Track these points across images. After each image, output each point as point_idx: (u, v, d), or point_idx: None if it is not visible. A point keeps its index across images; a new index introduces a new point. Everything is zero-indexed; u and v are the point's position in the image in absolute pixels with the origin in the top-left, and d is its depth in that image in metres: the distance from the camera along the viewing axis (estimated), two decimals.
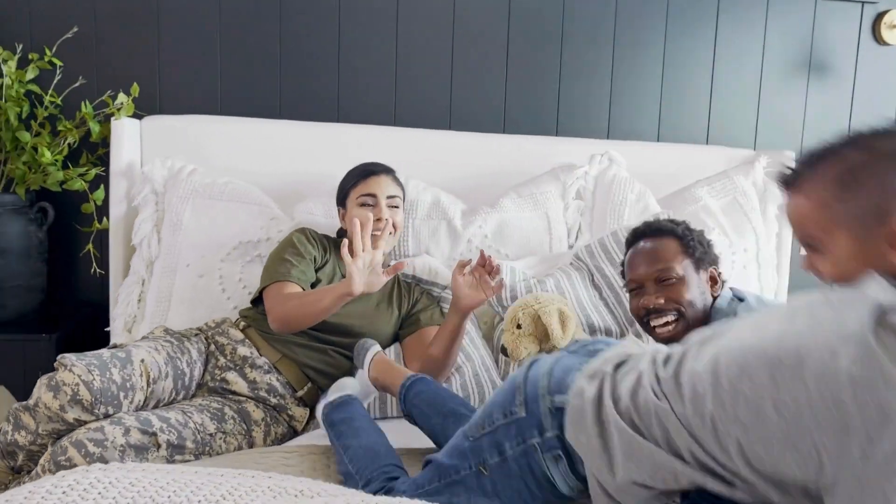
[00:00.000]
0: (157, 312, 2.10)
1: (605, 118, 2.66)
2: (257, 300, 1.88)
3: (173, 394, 1.70)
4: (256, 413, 1.74)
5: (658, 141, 2.69)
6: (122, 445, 1.43)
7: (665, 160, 2.57)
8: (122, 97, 2.25)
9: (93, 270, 2.36)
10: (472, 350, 1.93)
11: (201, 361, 1.80)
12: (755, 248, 2.36)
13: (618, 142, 2.57)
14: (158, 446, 1.49)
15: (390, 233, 1.86)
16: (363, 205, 1.89)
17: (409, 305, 1.98)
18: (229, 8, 2.42)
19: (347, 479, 1.38)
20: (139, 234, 2.18)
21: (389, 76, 2.53)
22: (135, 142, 2.28)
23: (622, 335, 1.98)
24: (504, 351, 1.65)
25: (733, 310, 1.56)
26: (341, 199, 1.97)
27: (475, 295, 1.72)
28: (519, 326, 1.61)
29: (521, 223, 2.25)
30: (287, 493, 1.15)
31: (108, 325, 2.21)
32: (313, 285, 1.84)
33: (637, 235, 1.69)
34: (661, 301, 1.56)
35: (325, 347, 1.85)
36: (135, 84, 2.28)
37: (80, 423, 1.49)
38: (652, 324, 1.58)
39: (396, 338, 1.96)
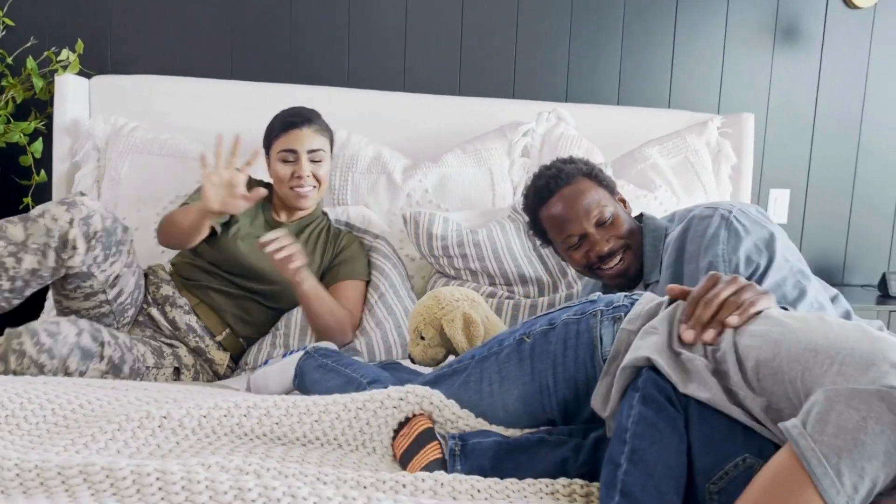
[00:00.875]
0: None
1: (564, 82, 2.62)
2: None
3: (129, 300, 1.71)
4: (187, 358, 1.74)
5: (618, 105, 2.64)
6: (72, 343, 1.44)
7: (625, 123, 2.52)
8: (66, 53, 2.25)
9: None
10: (394, 306, 1.88)
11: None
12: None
13: (575, 104, 2.53)
14: (102, 358, 1.49)
15: (314, 187, 1.84)
16: (284, 161, 1.84)
17: (333, 254, 1.94)
18: None
19: (345, 386, 1.33)
20: (79, 188, 2.18)
21: (343, 37, 2.51)
22: (82, 100, 2.29)
23: (554, 285, 1.94)
24: (412, 359, 1.54)
25: (664, 225, 1.53)
26: (267, 146, 1.91)
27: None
28: (422, 338, 1.46)
29: (463, 179, 2.22)
30: (155, 401, 1.13)
31: None
32: (227, 226, 1.82)
33: (549, 190, 1.56)
34: (611, 243, 1.50)
35: (241, 293, 1.83)
36: (79, 41, 2.28)
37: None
38: (604, 267, 1.51)
39: None
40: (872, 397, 0.75)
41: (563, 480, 0.98)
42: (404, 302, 1.90)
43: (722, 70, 2.69)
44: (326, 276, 1.91)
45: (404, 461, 1.06)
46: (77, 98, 2.27)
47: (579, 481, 0.98)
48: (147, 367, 1.62)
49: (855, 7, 2.69)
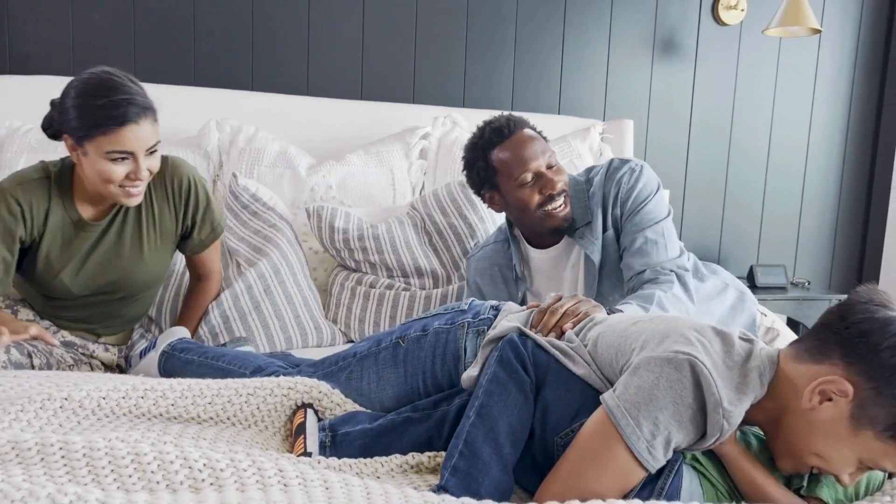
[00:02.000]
0: None
1: (461, 88, 2.78)
2: None
3: None
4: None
5: (512, 110, 2.81)
6: (4, 360, 1.48)
7: None
8: None
9: None
10: (294, 296, 1.98)
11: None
12: None
13: (471, 109, 2.68)
14: (32, 367, 1.54)
15: (140, 189, 1.55)
16: (114, 161, 1.49)
17: (185, 211, 1.72)
18: None
19: (227, 377, 1.38)
20: None
21: (246, 38, 2.59)
22: None
23: (447, 278, 2.08)
24: None
25: (581, 179, 1.75)
26: (74, 133, 1.48)
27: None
28: None
29: (365, 178, 2.33)
30: (56, 385, 1.20)
31: None
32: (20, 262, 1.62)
33: (509, 131, 1.67)
34: (560, 184, 1.65)
35: (99, 306, 1.72)
36: None
37: None
38: (550, 208, 1.64)
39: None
40: (663, 361, 0.92)
41: (427, 454, 1.10)
42: (304, 291, 2.00)
43: (606, 79, 2.90)
44: (188, 244, 1.76)
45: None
46: None
47: (443, 453, 1.10)
48: (69, 366, 1.66)
49: (723, 24, 2.95)
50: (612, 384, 1.03)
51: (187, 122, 2.36)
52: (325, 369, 1.33)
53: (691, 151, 3.02)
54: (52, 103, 1.57)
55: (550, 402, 1.03)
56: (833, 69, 3.10)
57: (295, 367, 1.42)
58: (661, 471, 0.95)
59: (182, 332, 1.69)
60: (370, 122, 2.57)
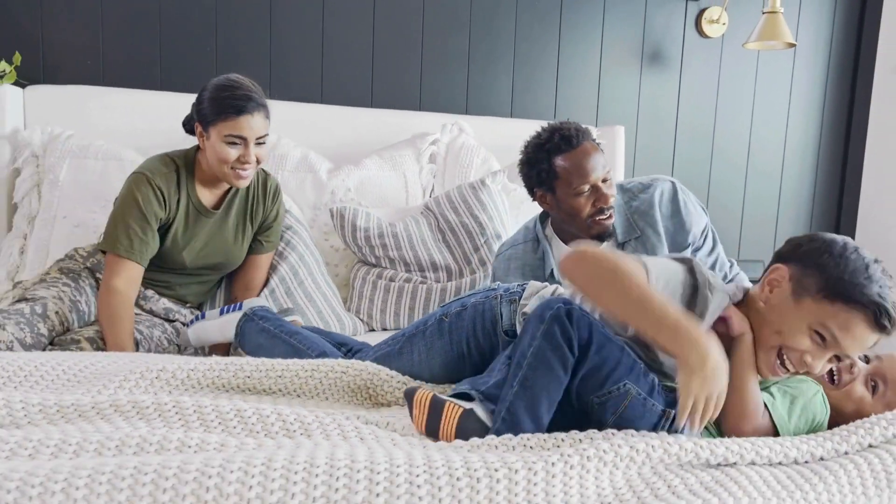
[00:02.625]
0: (35, 260, 2.27)
1: (464, 96, 2.97)
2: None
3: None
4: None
5: (511, 117, 3.02)
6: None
7: (517, 133, 2.88)
8: (3, 65, 2.40)
9: None
10: (313, 294, 2.17)
11: (95, 296, 1.96)
12: None
13: (473, 117, 2.88)
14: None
15: (249, 173, 1.91)
16: (230, 143, 1.84)
17: (265, 214, 2.07)
18: None
19: (292, 356, 1.56)
20: (20, 192, 2.34)
21: (264, 51, 2.77)
22: (18, 109, 2.44)
23: (460, 272, 2.27)
24: None
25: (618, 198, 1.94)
26: (204, 120, 1.86)
27: None
28: None
29: (381, 181, 2.52)
30: (147, 361, 1.38)
31: None
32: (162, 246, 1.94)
33: (577, 140, 1.80)
34: (612, 199, 1.82)
35: (199, 279, 2.06)
36: (17, 53, 2.44)
37: None
38: (599, 218, 1.81)
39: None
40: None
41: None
42: (322, 288, 2.18)
43: (598, 87, 3.11)
44: (254, 241, 2.09)
45: (431, 431, 1.17)
46: (14, 107, 2.42)
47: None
48: (164, 350, 1.91)
49: (706, 36, 3.18)
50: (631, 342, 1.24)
51: None
52: (378, 351, 1.52)
53: (676, 156, 3.24)
54: (192, 104, 1.94)
55: (591, 368, 1.18)
56: (807, 80, 3.34)
57: (355, 352, 1.62)
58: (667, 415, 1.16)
59: (264, 302, 1.89)
60: (380, 128, 2.76)
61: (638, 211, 1.90)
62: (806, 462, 1.11)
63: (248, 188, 2.03)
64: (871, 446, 1.15)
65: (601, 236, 1.87)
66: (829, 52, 3.34)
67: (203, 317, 1.88)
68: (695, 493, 1.00)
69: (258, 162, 1.90)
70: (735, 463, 1.07)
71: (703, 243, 1.95)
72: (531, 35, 3.00)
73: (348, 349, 1.69)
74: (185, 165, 1.94)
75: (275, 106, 2.65)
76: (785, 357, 1.20)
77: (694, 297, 1.22)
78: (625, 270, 1.17)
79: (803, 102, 3.35)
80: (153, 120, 2.52)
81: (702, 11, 3.17)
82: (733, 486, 1.01)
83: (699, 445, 1.06)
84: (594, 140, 1.86)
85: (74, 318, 1.87)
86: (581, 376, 1.18)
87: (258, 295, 2.08)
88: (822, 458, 1.12)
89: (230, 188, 2.01)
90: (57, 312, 1.82)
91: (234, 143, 1.84)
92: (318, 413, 1.13)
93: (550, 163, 1.81)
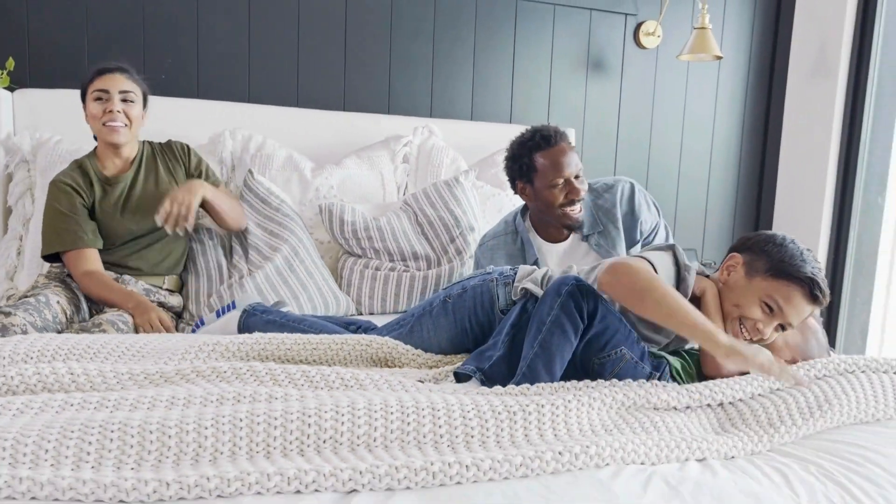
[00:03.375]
0: (33, 260, 2.40)
1: (428, 100, 3.22)
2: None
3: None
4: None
5: (471, 119, 3.28)
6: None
7: (477, 135, 3.16)
8: None
9: None
10: (310, 278, 2.38)
11: (85, 296, 2.15)
12: None
13: (438, 119, 3.13)
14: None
15: (125, 125, 2.15)
16: (97, 99, 2.11)
17: (186, 174, 2.33)
18: None
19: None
20: (14, 196, 2.46)
21: (244, 57, 2.94)
22: (9, 113, 2.55)
23: (438, 261, 2.52)
24: None
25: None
26: (84, 95, 2.17)
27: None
28: None
29: (360, 179, 2.74)
30: (194, 340, 1.57)
31: None
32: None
33: (555, 139, 2.09)
34: (583, 192, 2.11)
35: (153, 248, 2.24)
36: (10, 58, 2.55)
37: None
38: (570, 210, 2.10)
39: None
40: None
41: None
42: (320, 269, 2.40)
43: (550, 93, 3.41)
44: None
45: None
46: (6, 111, 2.53)
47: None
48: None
49: (643, 48, 3.52)
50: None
51: (196, 131, 2.68)
52: (391, 330, 1.75)
53: (618, 157, 3.57)
54: None
55: (595, 334, 1.46)
56: (730, 88, 3.73)
57: (365, 330, 1.84)
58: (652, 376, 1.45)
59: (256, 297, 2.06)
60: (354, 130, 2.97)
61: (602, 209, 2.20)
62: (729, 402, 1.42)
63: (148, 154, 2.29)
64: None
65: (571, 227, 2.16)
66: (749, 63, 3.74)
67: (202, 323, 2.06)
68: (644, 428, 1.27)
69: (130, 121, 2.16)
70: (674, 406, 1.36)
71: (654, 238, 2.26)
72: (489, 45, 3.27)
73: (357, 327, 1.92)
74: (87, 158, 2.23)
75: (257, 110, 2.87)
76: (742, 326, 1.51)
77: (678, 277, 1.52)
78: (655, 286, 1.41)
79: (727, 108, 3.74)
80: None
81: (639, 25, 3.50)
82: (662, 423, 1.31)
83: (649, 393, 1.34)
84: (570, 142, 2.15)
85: (73, 309, 2.04)
86: (587, 341, 1.45)
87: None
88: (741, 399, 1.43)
89: (133, 159, 2.26)
90: (58, 302, 1.98)
91: (100, 99, 2.12)
92: (368, 373, 1.37)
93: (531, 158, 2.10)
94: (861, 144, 3.45)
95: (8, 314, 1.83)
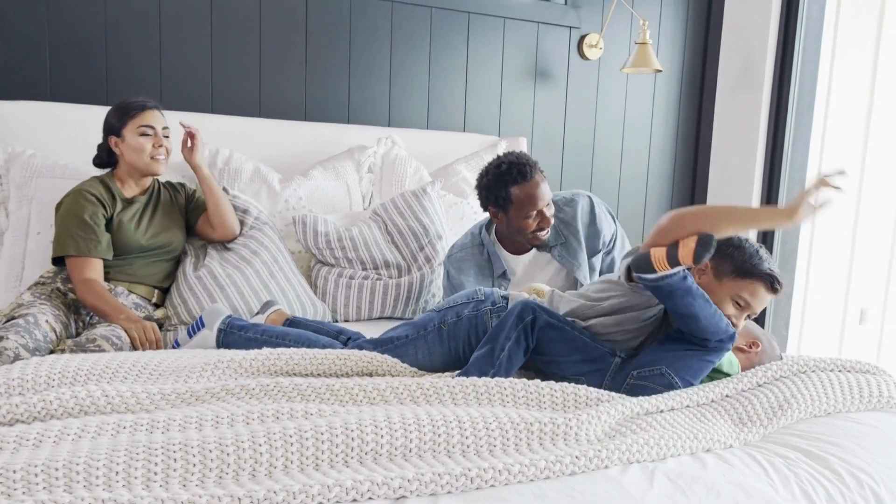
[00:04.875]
0: (11, 274, 2.39)
1: (386, 109, 3.32)
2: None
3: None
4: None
5: (427, 128, 3.40)
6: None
7: (433, 143, 3.29)
8: None
9: None
10: (289, 285, 2.46)
11: (69, 311, 2.19)
12: None
13: (396, 129, 3.24)
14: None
15: (164, 157, 2.34)
16: (143, 134, 2.28)
17: (186, 199, 2.52)
18: (57, 2, 2.72)
19: None
20: None
21: (206, 68, 2.97)
22: None
23: (408, 268, 2.64)
24: None
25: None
26: (115, 130, 2.31)
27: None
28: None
29: (326, 189, 2.83)
30: (204, 357, 1.64)
31: None
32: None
33: (529, 174, 2.21)
34: (552, 221, 2.27)
35: (153, 262, 2.37)
36: None
37: None
38: (539, 234, 2.26)
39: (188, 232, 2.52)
40: None
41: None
42: (297, 276, 2.49)
43: (500, 102, 3.57)
44: (192, 213, 2.50)
45: None
46: None
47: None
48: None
49: (587, 59, 3.72)
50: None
51: None
52: (387, 348, 1.86)
53: (564, 162, 3.77)
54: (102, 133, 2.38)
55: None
56: (665, 97, 3.98)
57: (353, 340, 1.94)
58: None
59: (225, 310, 2.10)
60: (315, 140, 3.05)
61: (563, 221, 2.37)
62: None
63: (159, 190, 2.46)
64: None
65: (538, 246, 2.34)
66: (682, 75, 4.00)
67: (178, 344, 2.12)
68: (642, 428, 1.44)
69: (167, 153, 2.35)
70: (661, 410, 1.54)
71: (613, 246, 2.45)
72: (443, 56, 3.40)
73: (347, 338, 2.02)
74: (107, 177, 2.36)
75: (220, 120, 2.91)
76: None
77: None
78: (707, 212, 1.71)
79: (663, 116, 3.99)
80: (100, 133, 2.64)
81: (583, 37, 3.70)
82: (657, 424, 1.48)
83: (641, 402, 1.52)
84: (542, 172, 2.27)
85: (61, 326, 2.07)
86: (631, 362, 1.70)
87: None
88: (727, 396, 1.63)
89: (148, 186, 2.42)
90: (47, 321, 2.02)
91: (146, 134, 2.29)
92: (388, 382, 1.48)
93: (507, 191, 2.21)
94: (784, 150, 3.76)
95: (1, 338, 1.86)
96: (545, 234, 2.29)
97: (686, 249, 1.60)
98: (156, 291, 2.37)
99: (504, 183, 2.21)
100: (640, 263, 1.65)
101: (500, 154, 2.34)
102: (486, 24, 3.47)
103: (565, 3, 3.63)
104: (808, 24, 3.67)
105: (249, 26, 3.02)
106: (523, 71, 3.61)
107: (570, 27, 3.67)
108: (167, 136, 2.36)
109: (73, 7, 2.74)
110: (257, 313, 2.24)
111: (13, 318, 2.01)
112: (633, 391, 1.62)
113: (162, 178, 2.51)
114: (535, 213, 2.22)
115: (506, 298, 1.89)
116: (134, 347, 2.03)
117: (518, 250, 2.40)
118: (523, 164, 2.22)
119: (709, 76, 4.03)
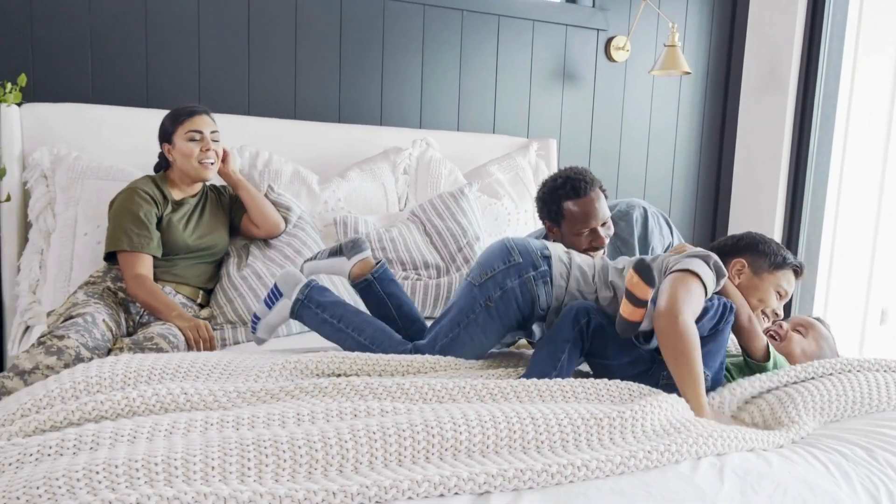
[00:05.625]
0: (59, 274, 2.44)
1: (418, 111, 3.36)
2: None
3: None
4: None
5: (458, 130, 3.44)
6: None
7: (464, 145, 3.33)
8: (9, 86, 2.51)
9: None
10: (332, 285, 2.50)
11: (120, 310, 2.23)
12: (532, 210, 3.17)
13: (428, 130, 3.28)
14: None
15: (213, 162, 2.38)
16: (191, 139, 2.33)
17: (230, 202, 2.58)
18: (100, 3, 2.76)
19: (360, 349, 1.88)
20: (35, 211, 2.49)
21: (243, 71, 3.01)
22: (18, 128, 2.56)
23: (447, 269, 2.68)
24: None
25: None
26: (168, 136, 2.37)
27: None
28: None
29: (364, 191, 2.87)
30: (272, 358, 1.69)
31: None
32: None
33: (584, 190, 2.13)
34: (608, 239, 2.17)
35: (197, 263, 2.42)
36: (22, 74, 2.55)
37: None
38: (591, 253, 2.12)
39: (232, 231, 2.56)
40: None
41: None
42: (337, 287, 2.51)
43: (529, 104, 3.60)
44: (236, 214, 2.56)
45: None
46: (15, 126, 2.54)
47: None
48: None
49: (614, 61, 3.75)
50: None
51: None
52: (442, 341, 1.88)
53: (591, 165, 3.80)
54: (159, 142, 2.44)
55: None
56: (690, 100, 4.01)
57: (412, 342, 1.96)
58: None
59: (301, 276, 2.05)
60: (348, 141, 3.09)
61: (620, 238, 2.42)
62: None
63: (206, 194, 2.51)
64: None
65: None
66: (707, 77, 4.03)
67: (258, 318, 2.16)
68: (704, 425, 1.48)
69: (216, 157, 2.39)
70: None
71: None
72: (474, 58, 3.43)
73: (419, 327, 2.05)
74: (158, 178, 2.42)
75: (257, 122, 2.95)
76: (764, 315, 1.84)
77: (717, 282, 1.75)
78: (691, 357, 1.59)
79: (688, 118, 4.02)
80: (143, 135, 2.64)
81: (610, 39, 3.73)
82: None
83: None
84: (600, 189, 2.17)
85: (115, 325, 2.12)
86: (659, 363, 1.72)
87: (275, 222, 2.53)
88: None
89: (197, 191, 2.47)
90: (103, 320, 2.06)
91: (195, 139, 2.34)
92: (455, 382, 1.52)
93: (560, 206, 2.14)
94: (810, 151, 3.78)
95: (62, 337, 1.90)
96: (599, 254, 2.19)
97: (637, 288, 1.60)
98: (200, 292, 2.42)
99: (557, 197, 2.15)
100: (627, 330, 1.65)
101: (561, 168, 2.27)
102: (516, 26, 3.51)
103: (593, 6, 3.67)
104: (833, 26, 3.70)
105: (285, 30, 3.06)
106: (551, 73, 3.64)
107: (598, 29, 3.71)
108: (216, 140, 2.40)
109: (115, 11, 2.79)
110: (337, 252, 2.16)
111: (70, 317, 2.05)
112: (667, 391, 1.66)
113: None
114: (587, 231, 2.13)
115: (547, 259, 1.86)
116: (189, 347, 2.07)
117: None
118: (579, 179, 2.15)
119: (733, 78, 4.06)
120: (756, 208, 3.99)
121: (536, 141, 3.40)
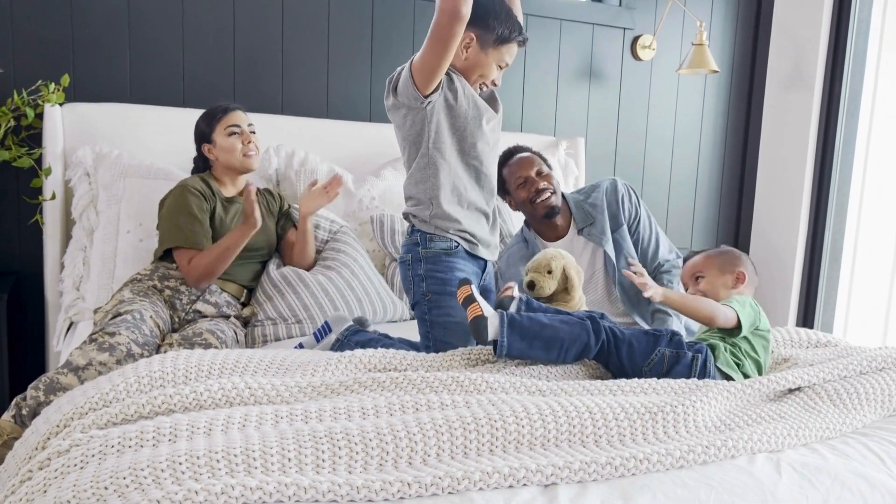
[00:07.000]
0: (103, 271, 2.49)
1: None
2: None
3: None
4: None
5: None
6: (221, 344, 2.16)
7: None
8: (52, 86, 2.56)
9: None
10: (370, 284, 2.55)
11: (166, 308, 2.27)
12: None
13: None
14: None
15: (255, 153, 2.45)
16: (231, 134, 2.40)
17: (279, 212, 2.63)
18: (138, 5, 2.80)
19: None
20: (78, 208, 2.54)
21: (276, 71, 3.05)
22: (60, 127, 2.61)
23: None
24: (531, 286, 2.14)
25: (577, 196, 2.57)
26: (206, 136, 2.43)
27: (313, 203, 2.50)
28: (549, 272, 2.13)
29: (398, 189, 2.89)
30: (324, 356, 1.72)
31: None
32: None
33: (510, 153, 2.55)
34: (543, 185, 2.46)
35: (249, 259, 2.46)
36: (66, 75, 2.60)
37: None
38: (538, 200, 2.44)
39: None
40: None
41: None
42: (377, 275, 2.56)
43: (556, 104, 3.63)
44: (284, 224, 2.62)
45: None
46: (58, 125, 2.59)
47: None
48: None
49: (640, 59, 3.77)
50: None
51: None
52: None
53: (617, 162, 3.82)
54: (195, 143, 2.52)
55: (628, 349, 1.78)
56: (715, 98, 4.02)
57: None
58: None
59: (348, 319, 2.15)
60: (382, 140, 3.11)
61: (591, 205, 2.54)
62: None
63: (258, 194, 2.54)
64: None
65: (550, 214, 2.47)
66: (731, 75, 4.04)
67: (302, 346, 2.19)
68: (755, 420, 1.51)
69: (257, 149, 2.46)
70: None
71: (638, 225, 2.56)
72: None
73: None
74: (207, 176, 2.47)
75: (290, 121, 2.99)
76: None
77: None
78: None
79: (712, 117, 4.04)
80: (180, 134, 2.68)
81: (636, 39, 3.75)
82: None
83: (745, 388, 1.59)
84: (529, 150, 2.56)
85: (161, 322, 2.16)
86: (628, 356, 1.74)
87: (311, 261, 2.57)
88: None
89: (241, 186, 2.50)
90: (151, 317, 2.11)
91: (234, 133, 2.40)
92: (508, 379, 1.56)
93: (501, 176, 2.49)
94: (835, 149, 3.79)
95: (113, 334, 1.94)
96: (546, 199, 2.44)
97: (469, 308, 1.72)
98: (245, 291, 2.46)
99: (499, 166, 2.45)
100: (481, 334, 1.71)
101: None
102: (543, 25, 3.54)
103: (619, 5, 3.69)
104: (859, 23, 3.71)
105: (318, 30, 3.09)
106: (578, 72, 3.67)
107: (624, 28, 3.72)
108: (254, 132, 2.47)
109: (153, 14, 2.83)
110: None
111: (119, 314, 2.10)
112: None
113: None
114: (521, 181, 2.46)
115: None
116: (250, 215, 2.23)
117: (553, 236, 2.54)
118: (510, 149, 2.56)
119: (758, 76, 4.07)
120: (780, 206, 4.00)
121: (565, 139, 3.42)
